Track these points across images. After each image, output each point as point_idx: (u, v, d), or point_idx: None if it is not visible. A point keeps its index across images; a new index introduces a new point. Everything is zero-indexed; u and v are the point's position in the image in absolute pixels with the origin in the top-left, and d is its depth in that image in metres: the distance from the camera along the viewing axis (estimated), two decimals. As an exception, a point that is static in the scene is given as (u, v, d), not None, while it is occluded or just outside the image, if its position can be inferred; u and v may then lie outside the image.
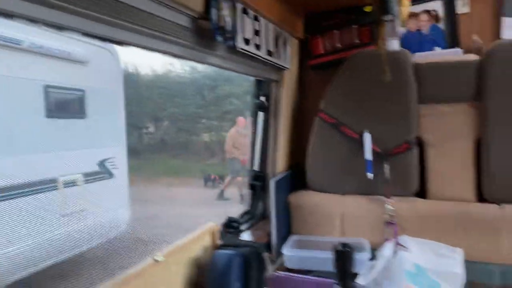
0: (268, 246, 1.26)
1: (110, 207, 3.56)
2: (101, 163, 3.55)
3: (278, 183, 1.30)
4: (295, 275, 1.06)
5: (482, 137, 1.15)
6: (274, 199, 1.25)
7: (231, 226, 1.12)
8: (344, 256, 0.73)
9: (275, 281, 0.99)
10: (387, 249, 1.15)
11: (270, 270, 0.76)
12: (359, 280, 1.12)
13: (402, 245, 1.14)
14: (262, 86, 1.37)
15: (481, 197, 1.16)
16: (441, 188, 1.21)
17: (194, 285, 0.76)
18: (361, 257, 1.14)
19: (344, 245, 0.73)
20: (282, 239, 1.26)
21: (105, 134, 3.62)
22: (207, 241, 0.83)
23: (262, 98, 1.36)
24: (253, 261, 0.74)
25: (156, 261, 0.68)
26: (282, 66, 1.28)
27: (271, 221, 1.25)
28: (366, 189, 1.26)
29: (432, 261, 1.10)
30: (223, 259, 0.74)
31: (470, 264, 1.08)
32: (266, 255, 0.76)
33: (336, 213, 1.27)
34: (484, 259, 1.09)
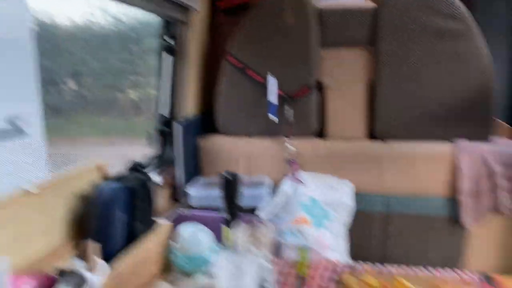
0: (173, 187, 1.28)
1: (22, 169, 3.31)
2: (9, 120, 3.25)
3: (186, 128, 1.30)
4: (196, 212, 1.09)
5: (374, 79, 1.24)
6: (181, 143, 1.26)
7: (136, 170, 1.11)
8: (230, 184, 0.76)
9: (178, 218, 1.01)
10: (286, 185, 1.23)
11: (163, 203, 0.77)
12: (260, 214, 1.19)
13: (300, 181, 1.23)
14: (170, 27, 1.32)
15: (371, 135, 1.27)
16: (337, 128, 1.29)
17: (78, 218, 0.75)
18: (263, 193, 1.21)
19: (230, 173, 0.77)
20: (189, 180, 1.29)
21: (10, 89, 3.28)
22: (95, 176, 0.82)
23: (169, 40, 1.32)
24: (139, 193, 0.74)
25: (28, 192, 0.65)
26: (189, 6, 1.24)
27: (178, 164, 1.26)
28: (271, 131, 1.31)
29: (325, 194, 1.20)
30: (108, 191, 0.73)
31: (358, 195, 1.20)
32: (154, 187, 0.76)
33: (242, 155, 1.31)
34: (370, 191, 1.21)
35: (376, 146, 1.22)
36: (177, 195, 1.28)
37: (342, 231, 1.18)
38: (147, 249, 0.71)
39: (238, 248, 0.53)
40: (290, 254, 1.06)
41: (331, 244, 1.14)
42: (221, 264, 0.50)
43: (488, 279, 0.74)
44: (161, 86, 1.33)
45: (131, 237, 0.71)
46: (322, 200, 1.19)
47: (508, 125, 1.34)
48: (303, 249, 0.84)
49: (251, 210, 1.21)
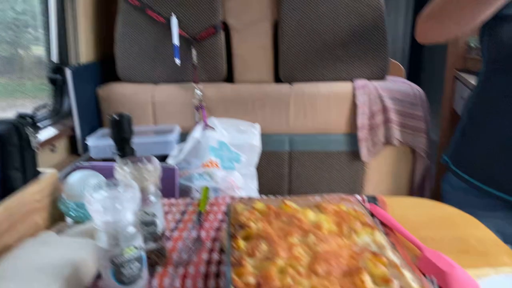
0: (74, 140, 1.19)
1: None
2: None
3: (79, 74, 1.19)
4: (96, 163, 1.02)
5: (279, 20, 1.23)
6: (74, 91, 1.15)
7: (19, 122, 0.99)
8: (118, 124, 0.71)
9: (75, 170, 0.93)
10: (196, 131, 1.20)
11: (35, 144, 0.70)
12: (169, 161, 1.16)
13: (209, 126, 1.21)
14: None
15: (277, 78, 1.28)
16: (244, 72, 1.28)
17: None
18: (172, 140, 1.18)
19: (118, 114, 0.72)
20: (91, 132, 1.20)
21: None
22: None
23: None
24: (11, 138, 0.66)
25: None
26: None
27: (74, 115, 1.16)
28: (177, 76, 1.26)
29: (234, 137, 1.20)
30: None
31: (265, 137, 1.22)
32: (30, 131, 0.69)
33: (147, 103, 1.25)
34: (277, 131, 1.24)
35: (282, 88, 1.24)
36: (78, 148, 1.20)
37: (251, 172, 1.21)
38: (27, 200, 0.65)
39: (121, 184, 0.50)
40: (197, 195, 1.06)
41: (241, 184, 1.16)
42: (101, 200, 0.47)
43: (373, 199, 0.82)
44: (50, 28, 1.18)
45: (6, 187, 0.65)
46: (231, 143, 1.19)
47: (401, 65, 1.45)
48: (205, 188, 0.84)
49: (161, 158, 1.18)
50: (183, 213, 0.78)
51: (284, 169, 1.27)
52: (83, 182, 0.70)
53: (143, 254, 0.53)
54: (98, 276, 0.58)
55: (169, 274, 0.59)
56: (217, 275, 0.59)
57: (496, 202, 0.86)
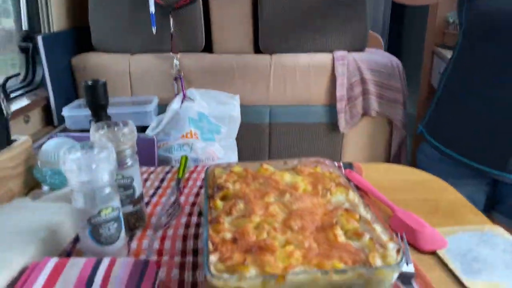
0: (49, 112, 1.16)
1: None
2: None
3: (53, 43, 1.14)
4: (73, 134, 1.01)
5: None
6: (46, 60, 1.11)
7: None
8: (93, 90, 0.70)
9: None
10: (175, 103, 1.19)
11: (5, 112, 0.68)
12: (148, 132, 1.15)
13: (189, 97, 1.20)
14: None
15: (257, 49, 1.27)
16: (223, 42, 1.26)
17: None
18: (149, 111, 1.16)
19: (92, 80, 0.70)
20: (67, 103, 1.17)
21: None
22: None
23: None
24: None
25: None
26: None
27: (47, 85, 1.13)
28: (154, 46, 1.23)
29: (214, 108, 1.20)
30: None
31: (245, 108, 1.22)
32: (1, 98, 0.67)
33: (124, 73, 1.22)
34: (257, 103, 1.23)
35: (262, 59, 1.23)
36: (53, 120, 1.17)
37: (231, 143, 1.21)
38: (0, 166, 0.63)
39: (97, 145, 0.49)
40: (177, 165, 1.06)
41: (221, 156, 1.17)
42: (75, 160, 0.46)
43: (350, 165, 0.84)
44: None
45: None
46: (211, 115, 1.19)
47: (380, 37, 1.45)
48: (184, 156, 0.84)
49: (139, 129, 1.17)
50: (162, 180, 0.78)
51: (264, 141, 1.27)
52: (58, 149, 0.68)
53: (121, 215, 0.53)
54: (77, 240, 0.58)
55: (148, 237, 0.60)
56: (196, 236, 0.60)
57: (468, 170, 0.89)
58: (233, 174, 0.60)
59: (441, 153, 0.94)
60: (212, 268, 0.40)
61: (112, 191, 0.51)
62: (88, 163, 0.47)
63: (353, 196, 0.54)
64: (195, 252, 0.56)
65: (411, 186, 0.76)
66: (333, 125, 1.25)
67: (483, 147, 0.86)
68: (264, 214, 0.50)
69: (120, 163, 0.57)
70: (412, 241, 0.58)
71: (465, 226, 0.62)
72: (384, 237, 0.45)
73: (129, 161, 0.58)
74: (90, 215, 0.49)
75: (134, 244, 0.58)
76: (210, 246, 0.43)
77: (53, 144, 0.71)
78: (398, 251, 0.42)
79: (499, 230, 0.60)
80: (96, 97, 0.70)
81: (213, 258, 0.42)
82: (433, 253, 0.56)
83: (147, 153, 1.04)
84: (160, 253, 0.56)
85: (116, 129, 0.57)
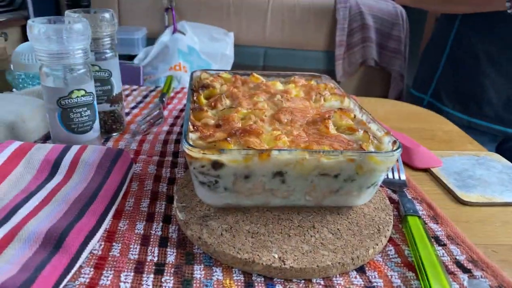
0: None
1: None
2: None
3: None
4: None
5: None
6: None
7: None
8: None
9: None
10: (164, 35, 1.13)
11: None
12: (135, 61, 1.10)
13: (180, 31, 1.13)
14: None
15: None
16: None
17: None
18: (137, 39, 1.10)
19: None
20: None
21: None
22: None
23: None
24: None
25: None
26: None
27: (28, 3, 1.05)
28: None
29: (206, 44, 1.14)
30: None
31: (239, 48, 1.16)
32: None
33: (112, 1, 1.15)
34: (252, 43, 1.18)
35: None
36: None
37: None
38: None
39: (69, 20, 0.44)
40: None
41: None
42: (44, 27, 0.41)
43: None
44: None
45: None
46: (202, 51, 1.13)
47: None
48: (169, 76, 0.79)
49: (126, 58, 1.11)
50: (145, 96, 0.74)
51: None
52: (33, 52, 0.63)
53: (95, 104, 0.48)
54: (48, 137, 0.54)
55: (125, 139, 0.56)
56: (178, 141, 0.56)
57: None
58: (221, 78, 0.56)
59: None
60: (191, 142, 0.36)
61: (86, 72, 0.46)
62: (58, 33, 0.42)
63: (349, 102, 0.51)
64: (176, 154, 0.52)
65: (407, 116, 0.73)
66: (329, 73, 1.20)
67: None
68: (251, 108, 0.46)
69: (98, 54, 0.52)
70: (406, 160, 0.55)
71: (462, 151, 0.59)
72: (380, 133, 0.42)
73: (108, 52, 0.52)
74: (60, 95, 0.45)
75: (109, 144, 0.54)
76: (191, 127, 0.39)
77: (28, 45, 0.66)
78: (394, 143, 0.39)
79: (497, 156, 0.58)
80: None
81: (193, 135, 0.38)
82: (427, 171, 0.53)
83: (133, 82, 0.99)
84: (137, 153, 0.52)
85: (94, 12, 0.52)
